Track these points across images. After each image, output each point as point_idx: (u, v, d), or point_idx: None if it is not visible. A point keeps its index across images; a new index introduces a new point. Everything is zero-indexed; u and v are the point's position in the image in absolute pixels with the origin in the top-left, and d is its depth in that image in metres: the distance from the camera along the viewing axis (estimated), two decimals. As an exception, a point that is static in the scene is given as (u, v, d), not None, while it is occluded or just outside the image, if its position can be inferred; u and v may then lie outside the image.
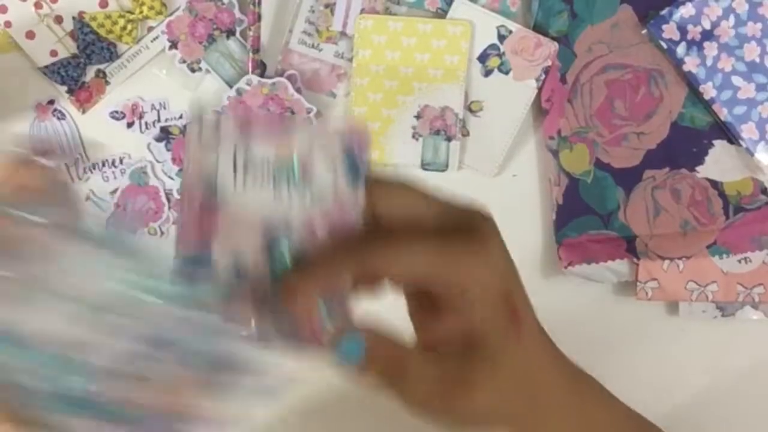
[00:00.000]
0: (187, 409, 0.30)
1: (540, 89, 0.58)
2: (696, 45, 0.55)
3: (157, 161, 0.58)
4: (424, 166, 0.58)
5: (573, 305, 0.59)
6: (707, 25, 0.55)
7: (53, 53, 0.58)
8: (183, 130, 0.58)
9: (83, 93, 0.58)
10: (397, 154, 0.58)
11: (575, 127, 0.57)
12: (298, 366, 0.30)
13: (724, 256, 0.56)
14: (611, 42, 0.57)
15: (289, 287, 0.30)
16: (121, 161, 0.59)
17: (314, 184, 0.31)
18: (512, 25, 0.57)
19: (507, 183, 0.59)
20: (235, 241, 0.31)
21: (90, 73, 0.58)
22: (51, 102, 0.59)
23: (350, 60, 0.58)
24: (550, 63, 0.57)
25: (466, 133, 0.58)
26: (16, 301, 0.29)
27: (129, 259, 0.29)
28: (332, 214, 0.31)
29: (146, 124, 0.59)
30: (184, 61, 0.58)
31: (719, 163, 0.56)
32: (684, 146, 0.57)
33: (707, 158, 0.57)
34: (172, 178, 0.58)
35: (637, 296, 0.57)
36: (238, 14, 0.57)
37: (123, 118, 0.58)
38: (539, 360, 0.37)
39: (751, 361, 0.59)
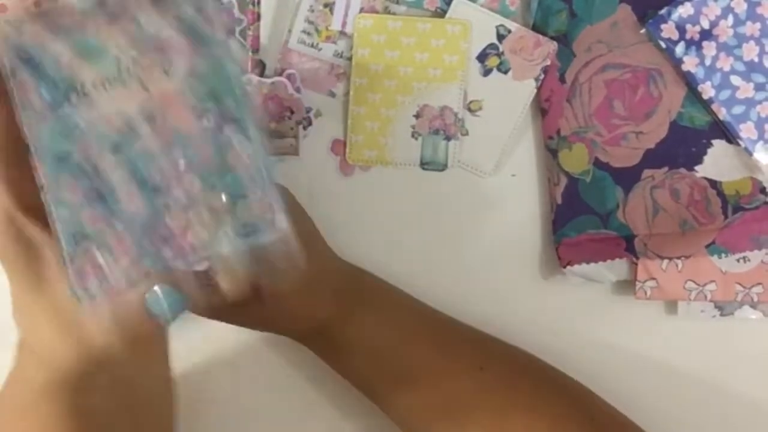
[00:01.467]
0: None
1: (539, 89, 0.58)
2: (695, 44, 0.55)
3: (157, 160, 0.58)
4: (424, 165, 0.58)
5: (572, 305, 0.59)
6: (706, 25, 0.55)
7: (52, 52, 0.58)
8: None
9: (82, 92, 0.58)
10: (397, 154, 0.58)
11: (574, 127, 0.57)
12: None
13: (723, 255, 0.56)
14: (610, 41, 0.57)
15: None
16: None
17: None
18: (511, 25, 0.57)
19: (506, 183, 0.59)
20: None
21: (89, 72, 0.58)
22: (50, 101, 0.59)
23: (349, 59, 0.58)
24: (549, 62, 0.57)
25: (465, 133, 0.58)
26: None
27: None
28: None
29: (145, 123, 0.59)
30: (184, 61, 0.58)
31: (718, 163, 0.56)
32: (683, 146, 0.57)
33: (706, 158, 0.57)
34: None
35: (636, 296, 0.57)
36: (237, 14, 0.57)
37: (122, 117, 0.58)
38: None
39: (749, 361, 0.60)
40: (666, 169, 0.57)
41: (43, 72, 0.32)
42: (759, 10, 0.55)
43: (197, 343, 0.59)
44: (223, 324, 0.51)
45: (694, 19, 0.55)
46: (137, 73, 0.32)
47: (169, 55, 0.32)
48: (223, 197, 0.34)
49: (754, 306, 0.57)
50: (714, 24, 0.55)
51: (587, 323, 0.59)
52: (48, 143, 0.33)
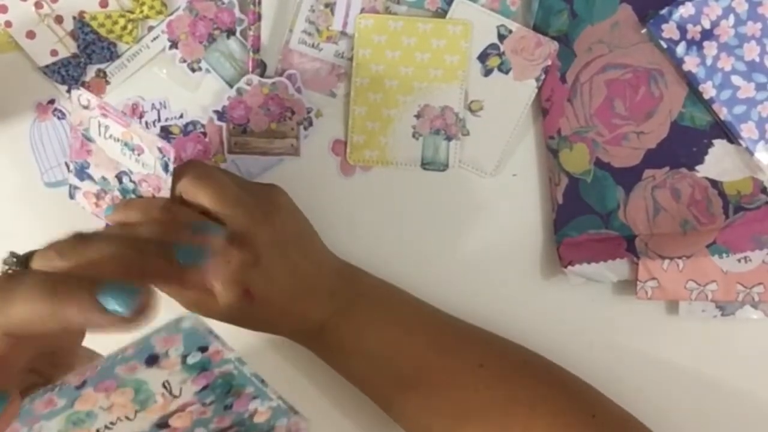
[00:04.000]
0: None
1: (540, 89, 0.58)
2: (696, 44, 0.55)
3: (158, 161, 0.59)
4: (424, 165, 0.59)
5: (573, 305, 0.59)
6: (707, 25, 0.55)
7: (53, 53, 0.58)
8: (183, 130, 0.59)
9: (83, 93, 0.58)
10: (398, 154, 0.58)
11: (575, 127, 0.57)
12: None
13: (724, 255, 0.56)
14: (611, 41, 0.57)
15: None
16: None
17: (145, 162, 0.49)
18: (512, 25, 0.57)
19: (507, 183, 0.59)
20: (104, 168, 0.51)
21: (90, 72, 0.58)
22: (51, 102, 0.59)
23: (350, 59, 0.58)
24: (550, 62, 0.57)
25: (466, 133, 0.58)
26: None
27: None
28: (154, 184, 0.50)
29: (146, 123, 0.59)
30: (185, 61, 0.58)
31: (719, 163, 0.56)
32: (684, 146, 0.57)
33: (707, 158, 0.57)
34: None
35: (637, 295, 0.57)
36: (238, 14, 0.57)
37: (123, 117, 0.59)
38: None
39: (750, 361, 0.60)
40: (667, 169, 0.57)
41: None
42: (760, 10, 0.55)
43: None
44: (221, 323, 0.51)
45: (695, 19, 0.55)
46: (144, 408, 0.33)
47: (174, 389, 0.33)
48: None
49: (755, 306, 0.57)
50: (715, 24, 0.55)
51: (588, 323, 0.59)
52: None
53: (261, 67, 0.58)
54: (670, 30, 0.55)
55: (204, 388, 0.33)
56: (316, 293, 0.52)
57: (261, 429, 0.35)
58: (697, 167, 0.57)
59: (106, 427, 0.33)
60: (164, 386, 0.32)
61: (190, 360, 0.32)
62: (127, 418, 0.33)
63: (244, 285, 0.49)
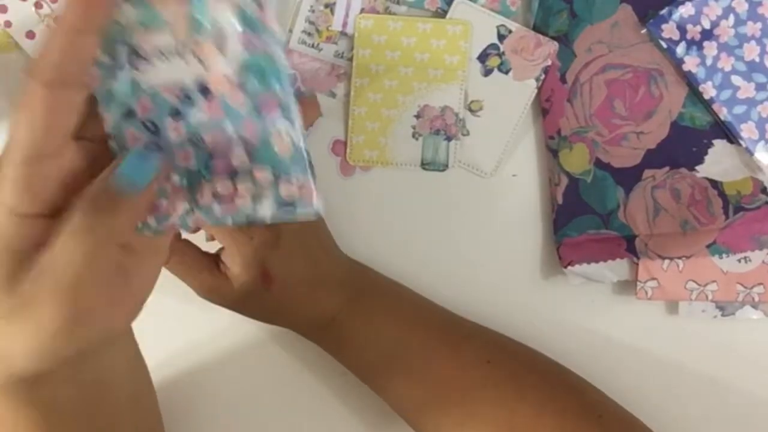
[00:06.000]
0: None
1: (540, 89, 0.58)
2: (696, 44, 0.55)
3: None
4: (424, 165, 0.59)
5: (573, 305, 0.59)
6: (707, 25, 0.55)
7: (53, 53, 0.58)
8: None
9: (83, 93, 0.58)
10: (397, 154, 0.58)
11: (575, 127, 0.57)
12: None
13: (724, 255, 0.56)
14: (611, 41, 0.57)
15: None
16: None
17: None
18: (512, 25, 0.57)
19: (507, 183, 0.59)
20: None
21: (90, 72, 0.58)
22: (51, 102, 0.59)
23: (350, 60, 0.58)
24: (549, 62, 0.57)
25: (466, 133, 0.58)
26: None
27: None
28: None
29: (146, 123, 0.59)
30: (184, 61, 0.58)
31: (719, 163, 0.56)
32: (684, 146, 0.57)
33: (707, 158, 0.57)
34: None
35: (637, 296, 0.57)
36: (238, 14, 0.57)
37: (123, 117, 0.58)
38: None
39: (750, 361, 0.60)
40: (667, 169, 0.57)
41: (107, 32, 0.35)
42: (760, 10, 0.55)
43: (203, 338, 0.59)
44: (229, 320, 0.51)
45: (695, 19, 0.55)
46: (194, 51, 0.35)
47: (225, 40, 0.34)
48: (268, 172, 0.36)
49: (755, 306, 0.57)
50: (715, 24, 0.55)
51: (588, 323, 0.59)
52: (115, 98, 0.36)
53: (261, 67, 0.58)
54: (669, 30, 0.55)
55: (245, 63, 0.34)
56: (327, 283, 0.53)
57: (275, 161, 0.35)
58: (697, 167, 0.57)
59: (162, 53, 0.35)
60: (215, 24, 0.34)
61: (246, 7, 0.33)
62: (179, 54, 0.34)
63: (262, 266, 0.50)
